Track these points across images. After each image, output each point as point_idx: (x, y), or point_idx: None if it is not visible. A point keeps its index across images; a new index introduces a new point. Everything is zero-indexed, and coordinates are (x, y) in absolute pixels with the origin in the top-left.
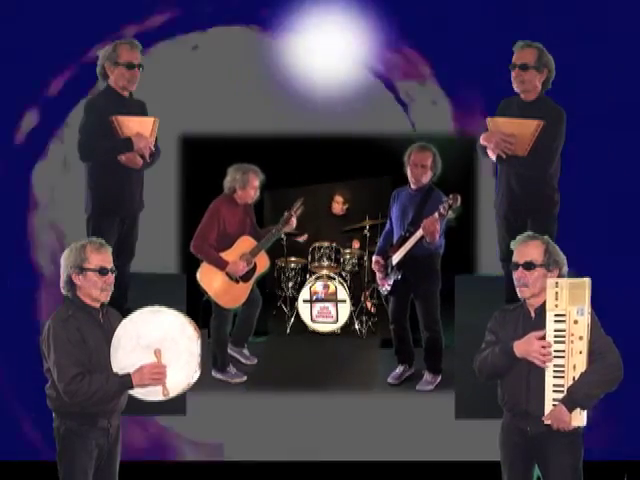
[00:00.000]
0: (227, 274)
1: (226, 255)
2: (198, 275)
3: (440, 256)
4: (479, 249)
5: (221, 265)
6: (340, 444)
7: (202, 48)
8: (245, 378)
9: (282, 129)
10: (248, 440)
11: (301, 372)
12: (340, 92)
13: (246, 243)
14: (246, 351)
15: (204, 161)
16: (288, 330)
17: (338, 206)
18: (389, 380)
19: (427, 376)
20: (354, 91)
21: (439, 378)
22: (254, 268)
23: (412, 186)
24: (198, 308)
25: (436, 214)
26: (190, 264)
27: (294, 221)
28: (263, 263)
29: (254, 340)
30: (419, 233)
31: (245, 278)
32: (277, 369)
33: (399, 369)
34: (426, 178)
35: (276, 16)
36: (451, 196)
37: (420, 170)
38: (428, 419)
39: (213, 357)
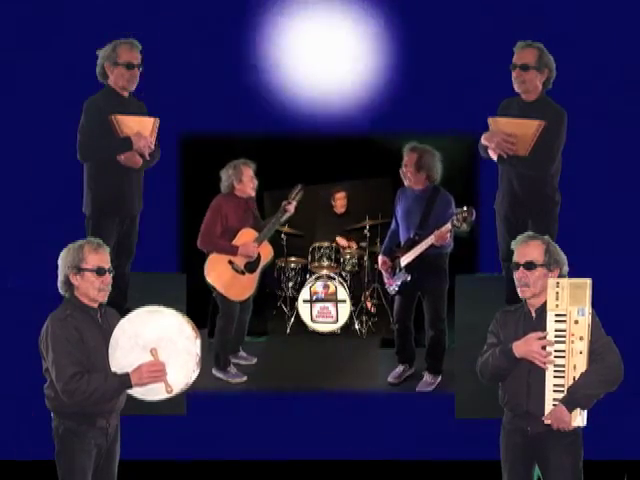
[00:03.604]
0: (233, 267)
1: None
2: (205, 270)
3: (448, 255)
4: (479, 249)
5: (232, 251)
6: (340, 444)
7: (203, 47)
8: (245, 378)
9: (282, 129)
10: (248, 440)
11: (301, 372)
12: (340, 91)
13: (248, 235)
14: (243, 353)
15: (204, 161)
16: (288, 330)
17: (340, 202)
18: (389, 379)
19: (427, 377)
20: (354, 90)
21: (439, 378)
22: (258, 258)
23: (413, 186)
24: (198, 308)
25: (449, 224)
26: (190, 264)
27: (293, 207)
28: (267, 253)
29: (254, 340)
30: (430, 240)
31: (250, 269)
32: (277, 369)
33: (399, 368)
34: (418, 179)
35: (277, 16)
36: (466, 208)
37: (409, 170)
38: (428, 419)
39: (215, 356)
